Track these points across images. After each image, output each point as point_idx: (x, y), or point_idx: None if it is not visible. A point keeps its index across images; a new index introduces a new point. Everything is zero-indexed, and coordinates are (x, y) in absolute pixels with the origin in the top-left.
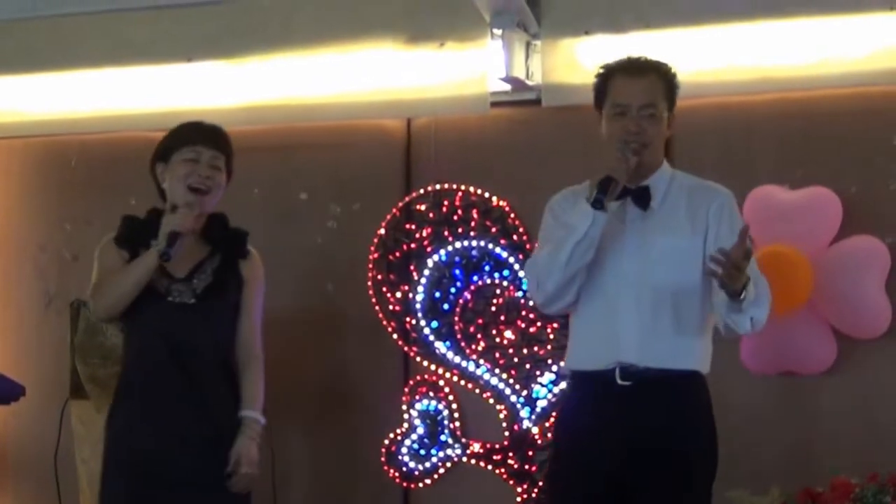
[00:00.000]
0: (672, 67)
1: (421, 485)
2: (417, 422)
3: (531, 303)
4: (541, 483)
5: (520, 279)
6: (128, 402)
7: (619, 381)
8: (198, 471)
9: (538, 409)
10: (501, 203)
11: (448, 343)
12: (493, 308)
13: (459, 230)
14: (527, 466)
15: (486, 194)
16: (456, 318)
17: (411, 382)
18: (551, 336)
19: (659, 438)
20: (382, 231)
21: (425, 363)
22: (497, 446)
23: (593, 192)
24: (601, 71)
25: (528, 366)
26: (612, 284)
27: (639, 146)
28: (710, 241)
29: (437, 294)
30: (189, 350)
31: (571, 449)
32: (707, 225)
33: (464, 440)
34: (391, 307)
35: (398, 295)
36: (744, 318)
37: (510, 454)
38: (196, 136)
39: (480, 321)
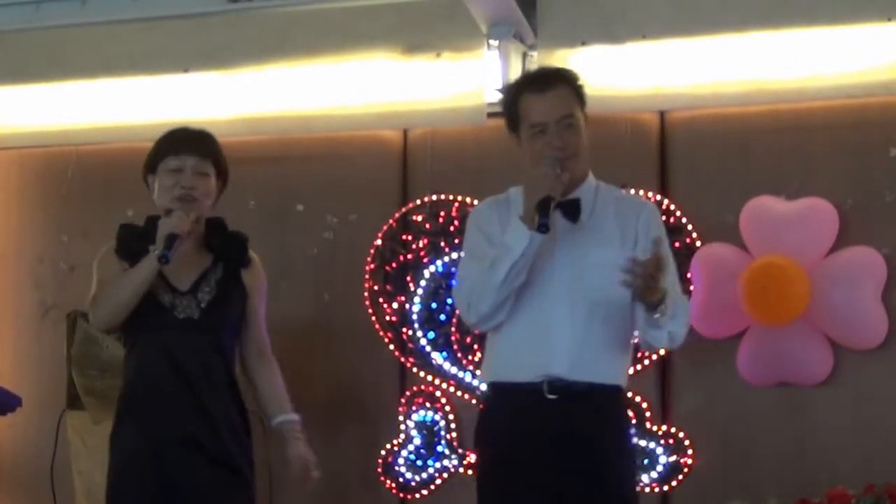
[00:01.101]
0: (577, 73)
1: (417, 496)
2: (414, 432)
3: None
4: None
5: None
6: (131, 420)
7: (547, 395)
8: (208, 496)
9: None
10: None
11: (445, 354)
12: None
13: (456, 241)
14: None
15: None
16: (452, 329)
17: (408, 393)
18: None
19: (582, 450)
20: (379, 242)
21: (422, 374)
22: None
23: (535, 217)
24: (507, 94)
25: None
26: (544, 297)
27: (566, 159)
28: (640, 257)
29: (434, 305)
30: (196, 367)
31: (498, 461)
32: (636, 237)
33: (460, 451)
34: (388, 318)
35: (395, 306)
36: (661, 333)
37: None
38: (178, 145)
39: (477, 332)
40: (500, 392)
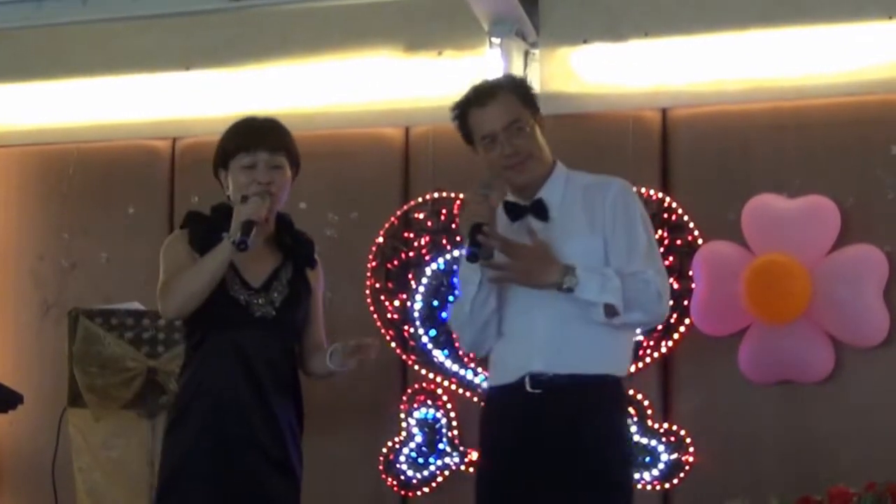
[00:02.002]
0: (518, 76)
1: (419, 493)
2: (416, 430)
3: None
4: None
5: None
6: (196, 417)
7: (529, 389)
8: (266, 500)
9: None
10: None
11: (446, 351)
12: None
13: (458, 238)
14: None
15: None
16: None
17: (409, 391)
18: None
19: (564, 439)
20: (380, 239)
21: (423, 371)
22: None
23: (467, 244)
24: (455, 112)
25: None
26: (523, 300)
27: (517, 164)
28: (608, 241)
29: (435, 302)
30: (267, 369)
31: (486, 457)
32: (604, 220)
33: (462, 448)
34: (389, 315)
35: (396, 303)
36: (595, 309)
37: None
38: (249, 140)
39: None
40: (491, 395)
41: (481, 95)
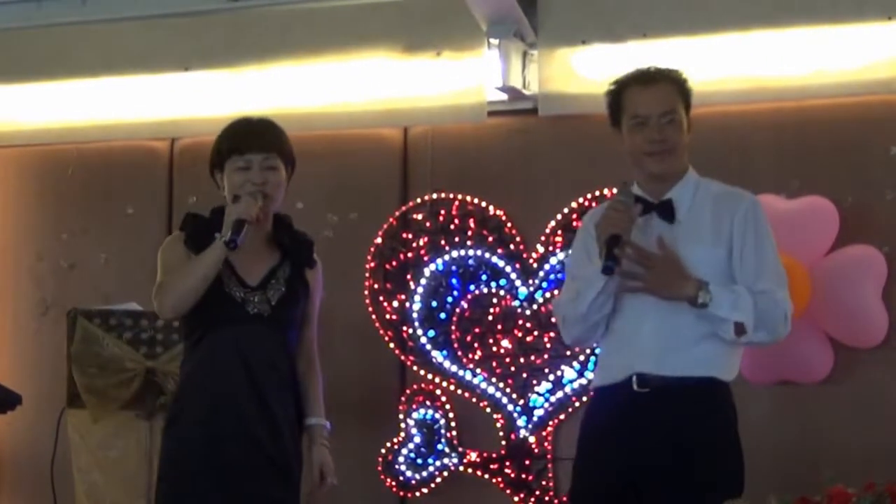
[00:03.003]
0: (683, 73)
1: (418, 494)
2: (414, 431)
3: (528, 312)
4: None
5: (516, 288)
6: (195, 413)
7: (636, 388)
8: (263, 496)
9: (535, 418)
10: (498, 212)
11: (445, 352)
12: (490, 317)
13: (456, 239)
14: (524, 475)
15: (483, 203)
16: (453, 328)
17: (408, 391)
18: (548, 345)
19: (671, 442)
20: (379, 240)
21: (422, 372)
22: (494, 455)
23: (602, 256)
24: (613, 87)
25: (524, 375)
26: (634, 299)
27: (662, 152)
28: (735, 259)
29: (434, 303)
30: (264, 365)
31: (584, 453)
32: (731, 235)
33: (461, 449)
34: (388, 316)
35: (395, 304)
36: (725, 324)
37: (507, 463)
38: (243, 142)
39: (477, 330)
40: (596, 395)
41: (647, 77)
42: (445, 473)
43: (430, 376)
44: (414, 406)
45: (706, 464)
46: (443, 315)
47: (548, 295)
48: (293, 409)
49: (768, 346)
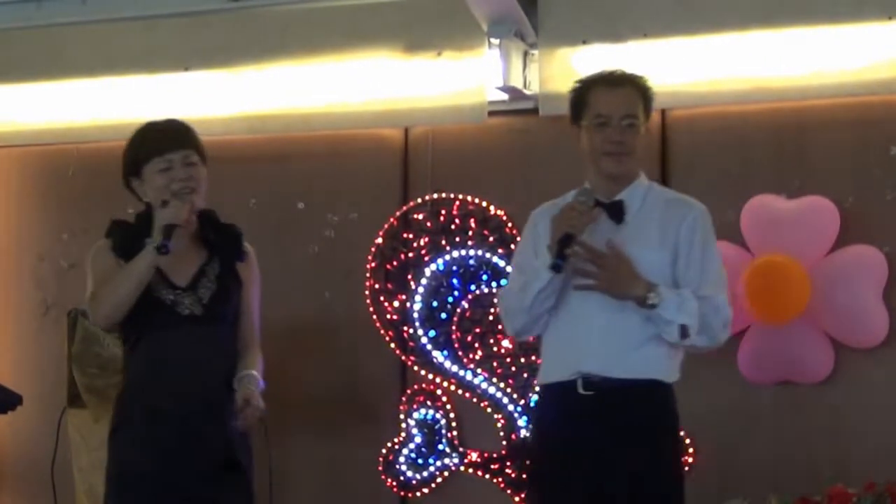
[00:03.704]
0: (648, 80)
1: (419, 494)
2: (415, 431)
3: None
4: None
5: None
6: (138, 418)
7: (581, 391)
8: (214, 493)
9: None
10: (499, 212)
11: (445, 352)
12: (491, 317)
13: (457, 239)
14: (524, 475)
15: (484, 203)
16: (453, 328)
17: (409, 391)
18: None
19: (618, 445)
20: (380, 240)
21: (423, 372)
22: (495, 455)
23: (553, 254)
24: (579, 84)
25: (525, 375)
26: (581, 296)
27: (619, 153)
28: (681, 264)
29: (435, 303)
30: (202, 363)
31: (544, 459)
32: (677, 241)
33: (461, 449)
34: (389, 316)
35: (396, 304)
36: (670, 327)
37: (508, 463)
38: (160, 143)
39: (478, 330)
40: (544, 392)
41: (613, 78)
42: (446, 473)
43: (430, 376)
44: (415, 406)
45: (650, 465)
46: (444, 315)
47: None
48: (234, 404)
49: (705, 350)
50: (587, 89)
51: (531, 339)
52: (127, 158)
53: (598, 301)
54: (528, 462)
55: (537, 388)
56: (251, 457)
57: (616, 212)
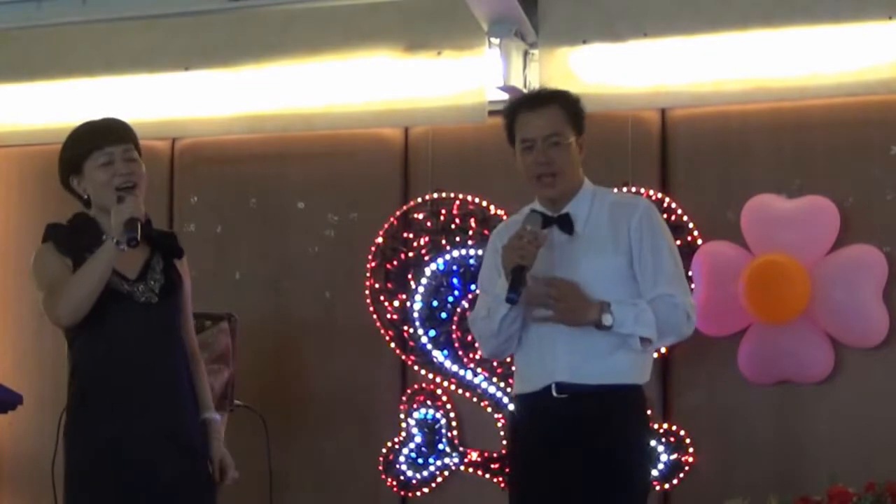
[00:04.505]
0: (574, 95)
1: (419, 493)
2: (415, 430)
3: None
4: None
5: None
6: (100, 413)
7: (555, 394)
8: (179, 488)
9: None
10: (499, 212)
11: (446, 352)
12: None
13: (457, 239)
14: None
15: (484, 203)
16: (454, 327)
17: (409, 391)
18: None
19: (586, 443)
20: (380, 240)
21: (423, 372)
22: (495, 455)
23: (508, 288)
24: (506, 110)
25: None
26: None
27: (550, 176)
28: (635, 263)
29: (435, 303)
30: (161, 354)
31: (515, 460)
32: (629, 241)
33: (461, 449)
34: (389, 316)
35: (396, 304)
36: (632, 339)
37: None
38: (100, 138)
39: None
40: (519, 402)
41: (533, 100)
42: (446, 473)
43: (430, 376)
44: (415, 406)
45: (620, 464)
46: (444, 315)
47: None
48: (190, 396)
49: (676, 342)
50: (513, 114)
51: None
52: (66, 155)
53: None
54: (508, 463)
55: (514, 397)
56: (207, 449)
57: (565, 224)
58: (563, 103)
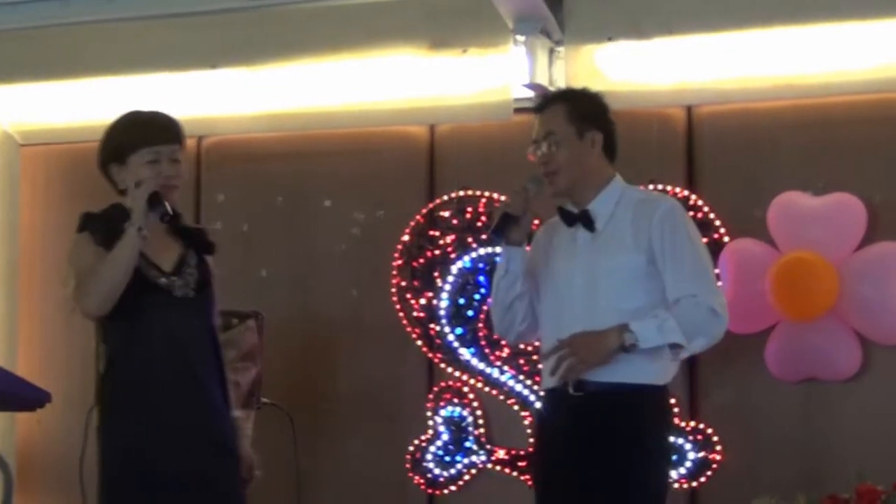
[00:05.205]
0: (587, 92)
1: (446, 491)
2: (442, 428)
3: None
4: None
5: None
6: (135, 408)
7: (571, 392)
8: (212, 475)
9: None
10: None
11: (472, 349)
12: None
13: (483, 236)
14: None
15: None
16: (480, 325)
17: (436, 389)
18: None
19: (601, 446)
20: (406, 238)
21: (450, 370)
22: (522, 453)
23: (492, 228)
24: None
25: None
26: (564, 305)
27: (550, 174)
28: (659, 265)
29: (462, 300)
30: (197, 349)
31: (541, 457)
32: (650, 239)
33: (488, 446)
34: (415, 314)
35: (422, 301)
36: (661, 351)
37: None
38: (153, 135)
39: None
40: (545, 398)
41: (541, 102)
42: (473, 471)
43: (457, 374)
44: (442, 403)
45: (634, 466)
46: (470, 312)
47: None
48: (224, 391)
49: (713, 343)
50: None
51: (523, 341)
52: (112, 143)
53: (572, 313)
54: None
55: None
56: (237, 441)
57: (587, 221)
58: (569, 101)
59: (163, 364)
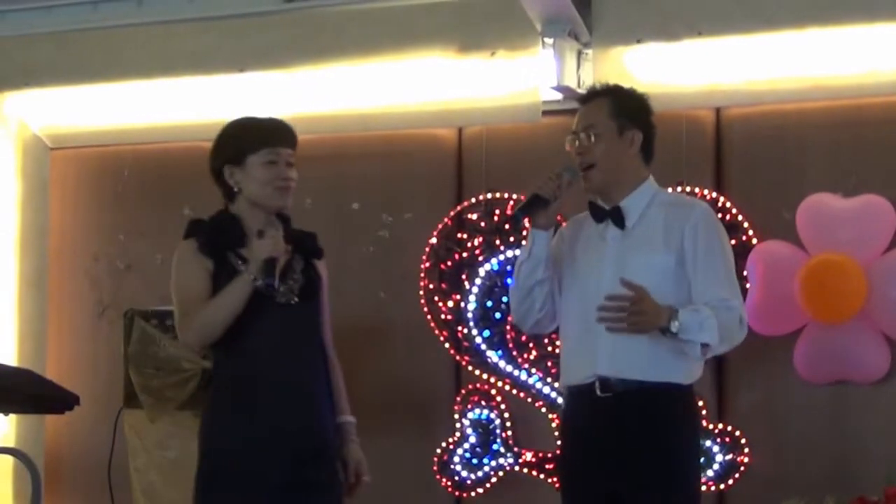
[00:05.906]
0: (631, 90)
1: (473, 494)
2: (469, 431)
3: None
4: None
5: None
6: (242, 411)
7: (599, 394)
8: (312, 482)
9: None
10: None
11: (500, 352)
12: None
13: (511, 239)
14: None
15: None
16: (507, 327)
17: (463, 391)
18: None
19: (630, 447)
20: (434, 240)
21: (477, 372)
22: (549, 455)
23: (521, 205)
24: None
25: None
26: (590, 300)
27: (587, 168)
28: (688, 268)
29: (489, 303)
30: (301, 355)
31: (567, 459)
32: (682, 242)
33: (516, 449)
34: (443, 316)
35: (450, 304)
36: (692, 346)
37: None
38: (272, 137)
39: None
40: (567, 395)
41: (586, 95)
42: (501, 473)
43: (485, 376)
44: (469, 406)
45: (665, 467)
46: (498, 315)
47: None
48: (328, 394)
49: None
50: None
51: (541, 331)
52: (229, 145)
53: (598, 300)
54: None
55: (563, 390)
56: (341, 446)
57: (617, 218)
58: (614, 97)
59: (264, 371)
